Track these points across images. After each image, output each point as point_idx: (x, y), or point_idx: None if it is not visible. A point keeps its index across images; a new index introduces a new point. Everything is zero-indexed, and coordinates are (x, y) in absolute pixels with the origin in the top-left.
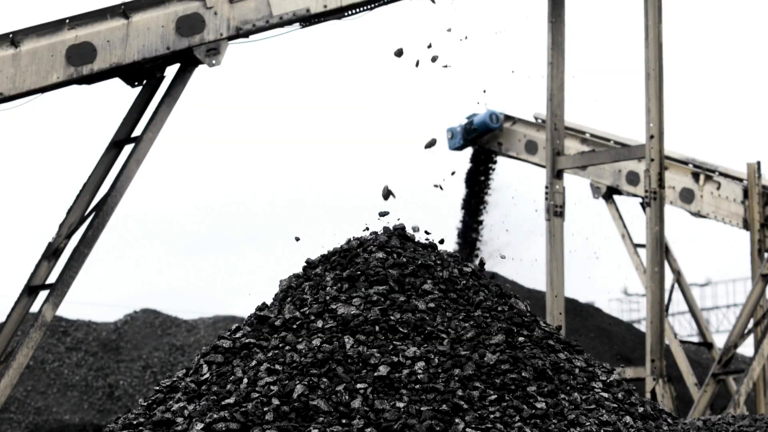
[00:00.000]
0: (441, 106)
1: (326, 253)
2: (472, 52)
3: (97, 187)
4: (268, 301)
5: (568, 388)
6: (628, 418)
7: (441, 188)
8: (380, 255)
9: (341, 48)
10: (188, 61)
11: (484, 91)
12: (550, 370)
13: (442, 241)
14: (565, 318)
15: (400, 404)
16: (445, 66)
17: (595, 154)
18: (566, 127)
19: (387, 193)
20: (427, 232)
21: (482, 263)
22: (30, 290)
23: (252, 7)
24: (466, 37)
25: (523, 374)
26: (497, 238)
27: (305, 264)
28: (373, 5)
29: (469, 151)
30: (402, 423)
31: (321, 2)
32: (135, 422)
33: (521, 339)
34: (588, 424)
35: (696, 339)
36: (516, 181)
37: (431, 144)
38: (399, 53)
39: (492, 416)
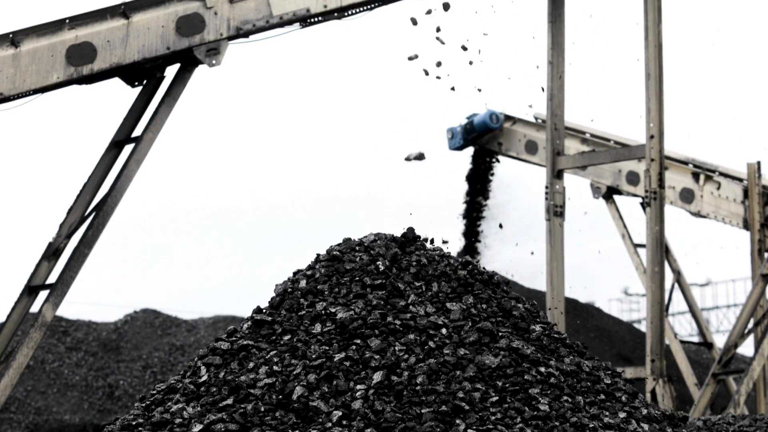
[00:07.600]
0: (441, 106)
1: (324, 254)
2: (472, 53)
3: (98, 187)
4: (267, 302)
5: (571, 390)
6: (632, 421)
7: None
8: (380, 259)
9: (341, 48)
10: (188, 61)
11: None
12: (554, 373)
13: (444, 242)
14: (565, 318)
15: (401, 405)
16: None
17: (595, 154)
18: (566, 127)
19: (418, 156)
20: (432, 241)
21: (488, 272)
22: (30, 290)
23: (252, 7)
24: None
25: (525, 377)
26: (497, 238)
27: (299, 270)
28: (373, 5)
29: (469, 151)
30: (402, 424)
31: (321, 2)
32: (134, 423)
33: (524, 342)
34: (591, 426)
35: (696, 339)
36: (517, 181)
37: (419, 157)
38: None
39: (493, 417)
